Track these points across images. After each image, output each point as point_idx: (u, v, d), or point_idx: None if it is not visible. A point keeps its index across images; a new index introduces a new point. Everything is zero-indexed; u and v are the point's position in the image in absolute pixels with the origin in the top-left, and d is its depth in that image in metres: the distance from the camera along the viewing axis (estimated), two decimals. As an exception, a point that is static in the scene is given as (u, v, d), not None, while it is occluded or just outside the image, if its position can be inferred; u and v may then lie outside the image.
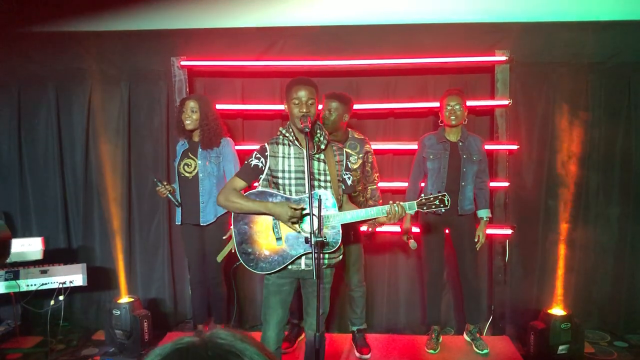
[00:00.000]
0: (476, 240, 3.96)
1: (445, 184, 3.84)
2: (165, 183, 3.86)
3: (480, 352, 3.95)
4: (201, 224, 3.92)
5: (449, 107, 3.83)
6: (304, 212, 2.79)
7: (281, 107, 4.26)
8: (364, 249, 4.07)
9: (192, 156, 3.93)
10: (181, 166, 3.95)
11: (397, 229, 4.22)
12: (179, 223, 4.01)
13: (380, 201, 3.90)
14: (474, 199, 3.97)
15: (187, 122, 3.87)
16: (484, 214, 3.99)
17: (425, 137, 4.01)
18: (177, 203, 3.91)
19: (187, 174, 3.93)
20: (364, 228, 4.01)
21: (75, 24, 4.56)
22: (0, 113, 4.74)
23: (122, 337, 4.06)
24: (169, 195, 3.87)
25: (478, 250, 4.00)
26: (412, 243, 3.89)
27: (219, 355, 0.85)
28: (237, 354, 0.85)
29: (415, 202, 2.86)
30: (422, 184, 4.04)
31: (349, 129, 3.93)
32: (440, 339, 4.13)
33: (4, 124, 4.75)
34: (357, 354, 3.97)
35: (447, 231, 4.04)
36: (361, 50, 4.34)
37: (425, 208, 2.86)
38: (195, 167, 3.91)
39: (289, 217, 2.74)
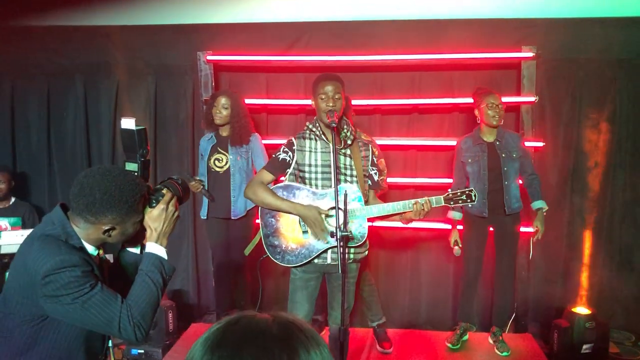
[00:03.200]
0: (535, 229, 3.82)
1: (488, 186, 3.76)
2: (198, 178, 3.91)
3: (500, 354, 3.91)
4: (232, 218, 3.98)
5: (492, 106, 3.71)
6: (330, 207, 2.81)
7: (306, 102, 4.28)
8: (385, 245, 4.08)
9: (222, 151, 3.98)
10: (212, 161, 4.00)
11: (422, 225, 4.22)
12: (205, 217, 4.06)
13: None
14: (520, 195, 3.86)
15: (217, 117, 3.92)
16: (539, 204, 3.83)
17: (462, 141, 3.93)
18: (210, 197, 3.95)
19: (217, 169, 3.99)
20: (390, 224, 4.03)
21: (103, 18, 4.63)
22: (30, 106, 4.83)
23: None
24: (203, 190, 3.92)
25: (539, 239, 3.88)
26: (457, 250, 3.87)
27: (286, 328, 0.87)
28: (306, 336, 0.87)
29: (442, 196, 2.87)
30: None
31: (357, 130, 3.93)
32: (466, 337, 4.11)
33: (33, 116, 4.84)
34: (379, 348, 3.99)
35: (491, 229, 3.96)
36: (386, 45, 4.33)
37: (452, 203, 2.87)
38: (226, 162, 3.96)
39: (315, 221, 2.77)
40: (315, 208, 2.80)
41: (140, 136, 1.94)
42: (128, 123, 1.94)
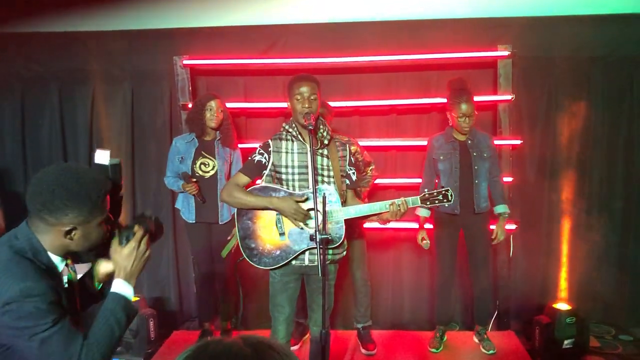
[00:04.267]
0: (493, 237, 3.88)
1: (459, 184, 3.79)
2: (195, 180, 3.88)
3: (486, 352, 3.92)
4: (219, 223, 3.97)
5: (462, 117, 3.72)
6: (308, 208, 2.80)
7: (284, 104, 4.26)
8: (367, 245, 4.08)
9: (208, 155, 3.96)
10: (197, 165, 3.96)
11: (402, 225, 4.22)
12: (193, 222, 4.01)
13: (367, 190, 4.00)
14: (488, 196, 3.90)
15: (214, 120, 3.91)
16: (501, 209, 3.89)
17: (434, 138, 3.96)
18: (203, 200, 3.92)
19: (203, 173, 3.95)
20: (370, 225, 4.02)
21: (78, 24, 4.57)
22: (4, 114, 4.75)
23: (128, 336, 4.07)
24: (198, 193, 3.89)
25: (495, 245, 3.92)
26: (425, 243, 3.89)
27: (257, 348, 0.87)
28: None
29: (418, 197, 2.86)
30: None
31: (335, 135, 3.94)
32: (445, 338, 4.12)
33: (7, 125, 4.75)
34: (363, 350, 3.98)
35: (461, 229, 3.98)
36: (363, 47, 4.34)
37: (428, 203, 2.86)
38: (213, 166, 3.95)
39: (293, 210, 2.75)
40: (291, 198, 2.78)
41: (115, 171, 1.85)
42: (102, 156, 1.83)
